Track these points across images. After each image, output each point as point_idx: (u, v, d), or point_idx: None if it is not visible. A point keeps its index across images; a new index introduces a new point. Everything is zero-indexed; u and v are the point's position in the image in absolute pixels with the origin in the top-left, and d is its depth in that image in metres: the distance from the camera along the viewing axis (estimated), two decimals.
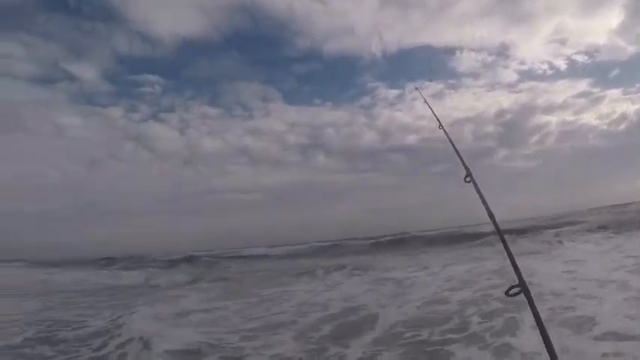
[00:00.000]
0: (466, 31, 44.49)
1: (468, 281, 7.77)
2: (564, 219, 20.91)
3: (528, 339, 4.07)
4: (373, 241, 22.71)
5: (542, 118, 40.52)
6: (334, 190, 44.81)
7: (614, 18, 42.93)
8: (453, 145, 2.63)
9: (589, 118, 40.58)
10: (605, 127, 39.56)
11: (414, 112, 39.85)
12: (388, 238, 23.34)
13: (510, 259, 1.74)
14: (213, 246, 28.75)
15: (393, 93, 40.48)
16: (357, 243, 23.23)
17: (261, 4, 38.46)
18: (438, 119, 2.75)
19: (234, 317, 6.79)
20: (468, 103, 42.56)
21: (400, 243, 20.94)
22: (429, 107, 2.81)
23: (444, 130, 2.84)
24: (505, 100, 40.46)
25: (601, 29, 42.35)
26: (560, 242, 13.74)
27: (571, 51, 37.19)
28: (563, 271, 7.83)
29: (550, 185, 41.58)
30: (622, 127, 39.40)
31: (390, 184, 42.28)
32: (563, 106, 41.17)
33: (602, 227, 15.42)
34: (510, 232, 17.04)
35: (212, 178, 42.98)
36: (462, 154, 2.25)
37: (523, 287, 1.53)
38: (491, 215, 1.96)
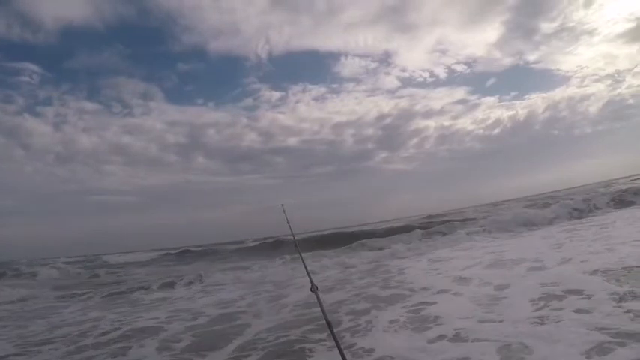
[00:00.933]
0: (352, 38, 46.96)
1: None
2: (438, 218, 22.83)
3: None
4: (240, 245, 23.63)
5: (421, 123, 44.28)
6: (214, 192, 44.52)
7: (493, 32, 47.81)
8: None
9: (465, 123, 45.16)
10: (480, 131, 44.35)
11: (297, 114, 41.40)
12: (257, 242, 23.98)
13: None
14: (84, 251, 27.03)
15: (276, 95, 41.53)
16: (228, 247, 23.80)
17: None
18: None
19: None
20: (349, 107, 44.97)
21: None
22: None
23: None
24: (386, 105, 43.60)
25: (480, 42, 47.81)
26: (430, 241, 15.21)
27: (451, 61, 41.62)
28: (429, 269, 8.84)
29: (428, 185, 45.34)
30: (496, 131, 44.42)
31: (271, 186, 43.03)
32: (442, 112, 45.39)
33: (474, 225, 16.73)
34: (385, 232, 19.09)
35: (87, 177, 39.79)
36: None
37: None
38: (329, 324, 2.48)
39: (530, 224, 14.93)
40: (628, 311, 3.85)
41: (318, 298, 2.55)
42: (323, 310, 2.49)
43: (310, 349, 4.09)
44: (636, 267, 5.55)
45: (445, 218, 21.73)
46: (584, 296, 4.67)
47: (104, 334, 6.35)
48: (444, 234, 15.99)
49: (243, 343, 4.76)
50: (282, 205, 3.60)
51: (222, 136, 41.19)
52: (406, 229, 18.64)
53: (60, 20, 35.70)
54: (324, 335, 4.45)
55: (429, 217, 25.11)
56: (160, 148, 40.43)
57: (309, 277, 2.69)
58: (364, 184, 46.09)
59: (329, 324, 2.54)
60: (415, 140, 46.63)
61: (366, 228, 23.19)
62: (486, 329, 4.08)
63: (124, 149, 38.54)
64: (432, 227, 18.01)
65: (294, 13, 42.27)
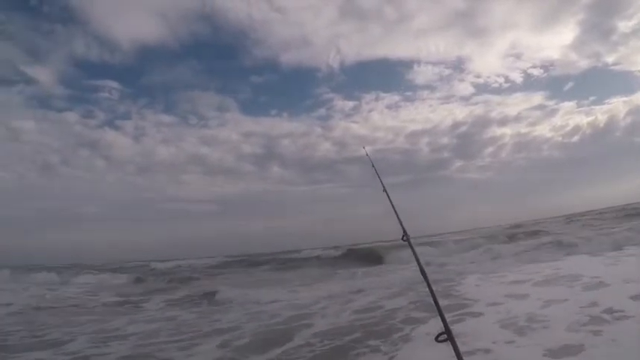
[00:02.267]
0: (423, 45, 45.08)
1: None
2: (520, 229, 21.98)
3: None
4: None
5: (497, 130, 42.09)
6: (289, 201, 45.44)
7: (568, 33, 44.06)
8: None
9: (543, 130, 42.46)
10: (559, 138, 41.64)
11: (370, 123, 40.82)
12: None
13: (438, 309, 2.29)
14: (168, 255, 28.69)
15: (349, 104, 41.15)
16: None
17: (221, 12, 37.84)
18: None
19: None
20: (423, 115, 43.58)
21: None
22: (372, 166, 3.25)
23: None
24: (460, 113, 41.83)
25: (556, 44, 44.52)
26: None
27: (526, 65, 38.74)
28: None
29: (505, 195, 43.73)
30: (575, 138, 41.58)
31: (345, 195, 43.40)
32: (518, 118, 42.68)
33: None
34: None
35: (166, 186, 42.32)
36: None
37: (449, 335, 2.07)
38: (423, 272, 2.47)
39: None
40: None
41: (411, 245, 2.54)
42: (417, 259, 2.50)
43: None
44: None
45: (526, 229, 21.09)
46: None
47: None
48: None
49: None
50: (366, 150, 3.49)
51: (296, 145, 41.69)
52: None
53: (136, 41, 37.10)
54: None
55: (513, 226, 24.31)
56: (236, 158, 41.72)
57: (402, 225, 2.66)
58: (439, 194, 45.36)
59: (423, 272, 2.55)
60: (491, 148, 44.73)
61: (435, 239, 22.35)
62: None
63: (201, 159, 40.25)
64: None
65: (364, 22, 41.00)
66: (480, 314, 6.04)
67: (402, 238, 2.62)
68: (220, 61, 42.73)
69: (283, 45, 42.95)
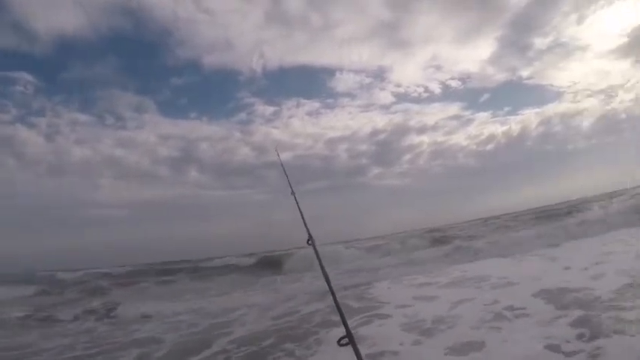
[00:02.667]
0: (346, 53, 45.34)
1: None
2: (436, 233, 22.52)
3: None
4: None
5: (415, 138, 43.88)
6: (207, 206, 44.26)
7: (487, 48, 45.14)
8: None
9: (459, 139, 45.07)
10: (474, 146, 44.74)
11: (291, 129, 41.07)
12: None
13: (340, 313, 2.28)
14: (78, 264, 26.38)
15: (269, 110, 40.70)
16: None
17: (146, 7, 34.56)
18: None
19: None
20: (343, 122, 44.20)
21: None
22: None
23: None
24: (380, 121, 42.75)
25: (474, 58, 46.19)
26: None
27: (445, 76, 40.48)
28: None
29: (423, 201, 46.09)
30: (490, 146, 45.07)
31: (264, 201, 42.96)
32: (435, 127, 44.53)
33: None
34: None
35: (79, 190, 38.80)
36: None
37: (350, 339, 2.04)
38: (326, 277, 2.45)
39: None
40: None
41: (315, 249, 2.50)
42: (320, 263, 2.47)
43: None
44: None
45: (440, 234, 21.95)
46: None
47: None
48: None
49: None
50: (277, 151, 3.43)
51: (215, 150, 40.53)
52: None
53: (54, 30, 32.77)
54: None
55: (431, 231, 24.75)
56: (152, 162, 39.58)
57: (307, 228, 2.61)
58: (357, 200, 46.63)
59: (326, 277, 2.52)
60: (409, 156, 46.69)
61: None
62: None
63: (117, 162, 37.58)
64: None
65: (289, 29, 40.62)
66: (389, 316, 6.27)
67: (308, 242, 2.59)
68: (141, 60, 40.48)
69: (207, 46, 42.07)
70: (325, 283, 2.39)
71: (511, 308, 5.60)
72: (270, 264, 18.46)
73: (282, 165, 3.05)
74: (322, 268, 2.42)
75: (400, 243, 19.76)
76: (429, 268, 11.55)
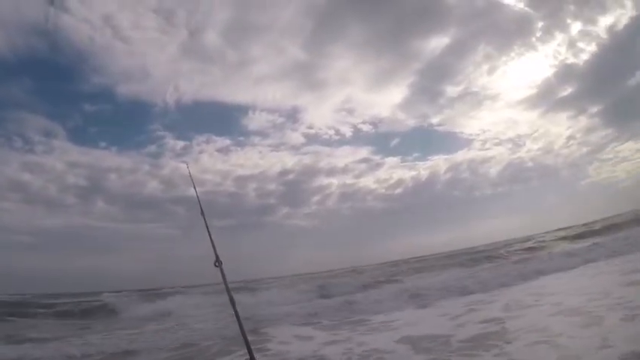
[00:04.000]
0: (261, 91, 45.17)
1: None
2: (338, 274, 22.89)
3: None
4: None
5: (324, 180, 44.64)
6: (112, 238, 40.19)
7: (398, 94, 45.65)
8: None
9: (368, 182, 46.62)
10: (383, 190, 46.48)
11: (200, 164, 39.79)
12: None
13: (243, 334, 2.27)
14: None
15: (180, 144, 39.45)
16: None
17: (63, 30, 32.08)
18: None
19: None
20: (253, 161, 43.82)
21: None
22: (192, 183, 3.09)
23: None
24: (289, 161, 43.14)
25: (386, 103, 47.35)
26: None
27: (357, 120, 41.33)
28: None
29: (330, 243, 46.43)
30: (398, 190, 47.02)
31: (171, 236, 40.53)
32: (345, 170, 45.35)
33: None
34: None
35: None
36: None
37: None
38: (231, 299, 2.42)
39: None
40: None
41: (222, 273, 2.43)
42: (226, 286, 2.40)
43: None
44: None
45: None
46: None
47: None
48: None
49: None
50: (187, 164, 3.30)
51: (123, 181, 37.44)
52: None
53: None
54: None
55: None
56: (59, 189, 35.30)
57: (214, 250, 2.56)
58: (265, 239, 45.61)
59: (231, 300, 2.46)
60: (317, 197, 47.16)
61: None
62: None
63: (22, 186, 32.87)
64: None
65: (205, 63, 40.38)
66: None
67: (215, 264, 2.53)
68: (55, 83, 37.37)
69: (122, 75, 39.92)
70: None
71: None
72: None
73: (192, 180, 2.95)
74: (228, 291, 2.38)
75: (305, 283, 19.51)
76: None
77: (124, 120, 41.22)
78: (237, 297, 2.62)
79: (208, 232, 2.60)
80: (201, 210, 2.76)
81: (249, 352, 2.05)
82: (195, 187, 2.89)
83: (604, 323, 5.42)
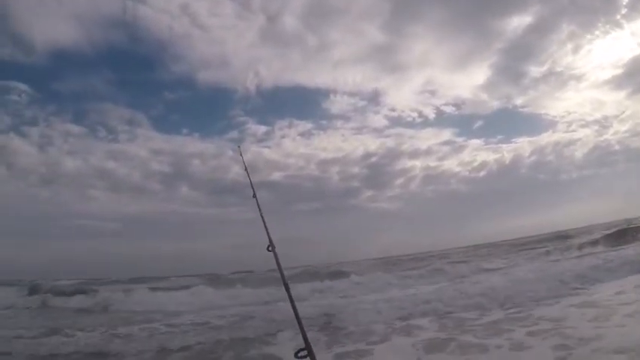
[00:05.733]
0: (341, 75, 44.99)
1: None
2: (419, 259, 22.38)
3: None
4: None
5: (407, 163, 43.45)
6: (198, 224, 43.00)
7: (481, 75, 45.74)
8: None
9: (452, 165, 44.91)
10: (466, 173, 44.70)
11: (282, 149, 40.80)
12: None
13: (299, 323, 2.12)
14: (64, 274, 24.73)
15: (262, 129, 40.39)
16: None
17: (142, 21, 34.70)
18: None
19: None
20: (335, 144, 43.80)
21: None
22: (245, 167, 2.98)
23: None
24: (372, 144, 42.47)
25: (468, 84, 45.19)
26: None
27: (439, 102, 39.48)
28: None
29: (413, 226, 45.97)
30: (482, 173, 45.07)
31: (255, 220, 42.00)
32: (428, 152, 43.79)
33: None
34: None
35: (71, 201, 37.57)
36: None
37: (309, 351, 1.92)
38: (286, 285, 2.27)
39: None
40: None
41: (275, 256, 2.32)
42: (281, 271, 2.29)
43: None
44: None
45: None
46: None
47: None
48: None
49: None
50: (239, 146, 3.23)
51: (207, 167, 39.98)
52: None
53: (51, 42, 33.72)
54: None
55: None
56: (143, 176, 39.02)
57: (268, 235, 2.43)
58: (349, 222, 46.19)
59: (286, 285, 2.34)
60: (401, 180, 46.43)
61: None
62: None
63: (108, 174, 37.26)
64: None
65: (285, 48, 42.44)
66: None
67: (268, 249, 2.40)
68: (135, 74, 40.60)
69: (202, 63, 42.61)
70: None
71: None
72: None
73: (244, 164, 2.84)
74: (283, 276, 2.24)
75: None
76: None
77: (205, 107, 42.05)
78: None
79: (261, 215, 2.47)
80: (254, 193, 2.64)
81: (306, 341, 1.88)
82: (247, 169, 2.78)
83: None
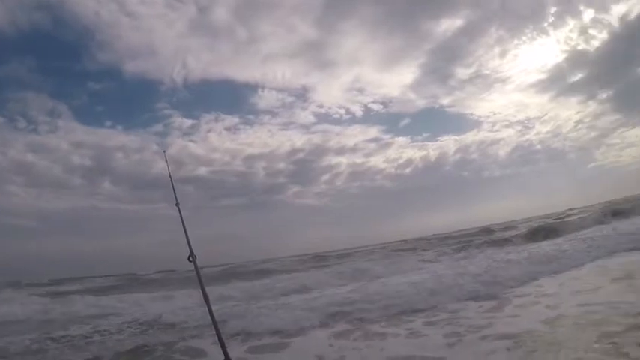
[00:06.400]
0: (270, 70, 45.39)
1: None
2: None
3: None
4: None
5: (333, 159, 43.74)
6: (121, 220, 39.86)
7: (409, 74, 47.25)
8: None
9: (378, 162, 45.63)
10: (392, 170, 45.75)
11: (208, 143, 39.34)
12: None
13: (218, 336, 2.19)
14: None
15: (188, 122, 38.56)
16: None
17: (67, 5, 32.58)
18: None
19: None
20: (262, 140, 43.07)
21: None
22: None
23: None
24: (299, 140, 42.20)
25: (396, 83, 48.00)
26: None
27: (367, 99, 41.30)
28: None
29: (339, 222, 46.27)
30: (407, 170, 46.26)
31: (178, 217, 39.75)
32: (355, 149, 44.51)
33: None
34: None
35: None
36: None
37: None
38: (205, 296, 2.34)
39: None
40: None
41: (196, 267, 2.35)
42: (201, 282, 2.32)
43: None
44: None
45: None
46: None
47: None
48: None
49: None
50: (165, 151, 3.16)
51: (130, 161, 37.08)
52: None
53: None
54: None
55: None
56: (65, 170, 35.25)
57: (189, 244, 2.47)
58: (275, 218, 45.08)
59: (205, 297, 2.39)
60: (327, 176, 46.61)
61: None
62: None
63: (27, 168, 33.87)
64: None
65: (214, 40, 41.09)
66: None
67: (189, 259, 2.44)
68: (59, 61, 37.61)
69: (129, 52, 40.07)
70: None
71: None
72: None
73: (169, 171, 2.81)
74: (202, 287, 2.29)
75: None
76: None
77: (131, 98, 41.35)
78: None
79: (183, 224, 2.50)
80: (177, 201, 2.64)
81: (224, 351, 1.98)
82: (171, 177, 2.75)
83: None
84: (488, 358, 4.06)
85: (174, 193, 2.65)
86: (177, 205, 2.60)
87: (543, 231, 19.93)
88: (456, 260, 14.66)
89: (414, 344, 4.93)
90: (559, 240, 15.11)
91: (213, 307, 2.23)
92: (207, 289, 2.30)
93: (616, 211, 21.80)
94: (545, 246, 13.55)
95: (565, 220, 24.26)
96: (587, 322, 4.61)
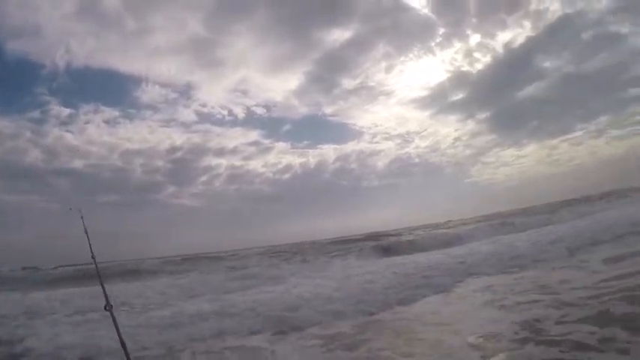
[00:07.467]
0: (156, 64, 44.72)
1: None
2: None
3: None
4: None
5: (212, 160, 42.66)
6: None
7: (294, 81, 49.01)
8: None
9: (257, 165, 44.49)
10: (271, 174, 45.48)
11: (85, 135, 37.20)
12: None
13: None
14: None
15: (66, 112, 35.78)
16: None
17: None
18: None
19: None
20: (141, 135, 40.80)
21: None
22: None
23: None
24: (179, 138, 41.13)
25: (281, 88, 47.71)
26: None
27: (251, 102, 41.15)
28: None
29: (215, 224, 44.36)
30: (286, 176, 46.08)
31: (53, 211, 36.08)
32: (234, 151, 44.46)
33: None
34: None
35: None
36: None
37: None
38: (123, 344, 2.23)
39: None
40: None
41: (113, 317, 2.24)
42: (118, 332, 2.19)
43: None
44: None
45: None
46: None
47: None
48: None
49: None
50: (80, 210, 3.07)
51: (2, 148, 33.89)
52: None
53: None
54: None
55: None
56: None
57: (105, 293, 2.39)
58: (152, 218, 42.21)
59: (123, 345, 2.25)
60: (205, 177, 45.17)
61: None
62: None
63: None
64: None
65: (102, 27, 38.22)
66: None
67: (105, 308, 2.36)
68: None
69: (10, 29, 35.78)
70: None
71: None
72: None
73: (85, 229, 2.74)
74: (120, 337, 2.17)
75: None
76: None
77: (7, 80, 37.26)
78: None
79: (98, 274, 2.42)
80: (92, 255, 2.57)
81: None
82: (87, 234, 2.68)
83: None
84: None
85: (90, 248, 2.58)
86: (93, 257, 2.53)
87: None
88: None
89: None
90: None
91: None
92: None
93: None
94: None
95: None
96: None
